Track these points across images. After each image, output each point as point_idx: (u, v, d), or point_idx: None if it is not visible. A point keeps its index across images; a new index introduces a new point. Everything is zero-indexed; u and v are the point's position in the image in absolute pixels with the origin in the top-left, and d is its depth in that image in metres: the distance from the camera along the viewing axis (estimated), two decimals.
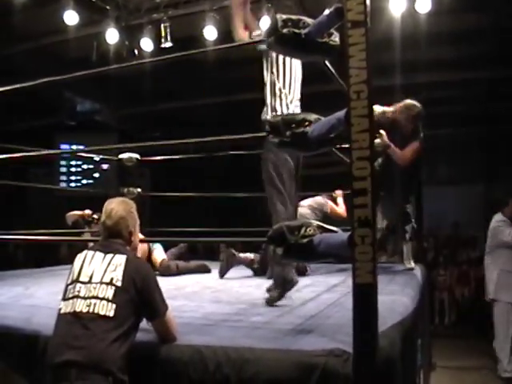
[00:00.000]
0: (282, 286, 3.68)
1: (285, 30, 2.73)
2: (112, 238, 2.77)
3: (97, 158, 13.71)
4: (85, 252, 2.73)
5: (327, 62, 3.16)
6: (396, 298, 3.77)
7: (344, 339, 2.45)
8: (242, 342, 2.68)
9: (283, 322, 3.14)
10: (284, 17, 2.75)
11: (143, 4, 8.48)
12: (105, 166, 13.96)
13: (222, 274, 5.52)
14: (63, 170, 14.34)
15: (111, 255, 2.65)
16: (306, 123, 2.81)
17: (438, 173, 13.09)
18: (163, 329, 2.69)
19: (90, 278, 2.58)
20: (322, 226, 2.65)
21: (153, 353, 2.67)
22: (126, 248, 2.78)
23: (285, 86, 3.81)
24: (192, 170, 11.20)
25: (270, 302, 3.66)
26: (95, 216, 6.54)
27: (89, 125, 13.19)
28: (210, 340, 2.71)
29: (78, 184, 14.07)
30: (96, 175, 14.08)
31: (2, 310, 3.58)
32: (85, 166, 14.29)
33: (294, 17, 2.75)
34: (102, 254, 2.66)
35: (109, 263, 2.61)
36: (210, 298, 4.22)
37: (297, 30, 2.72)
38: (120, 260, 2.61)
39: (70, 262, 4.45)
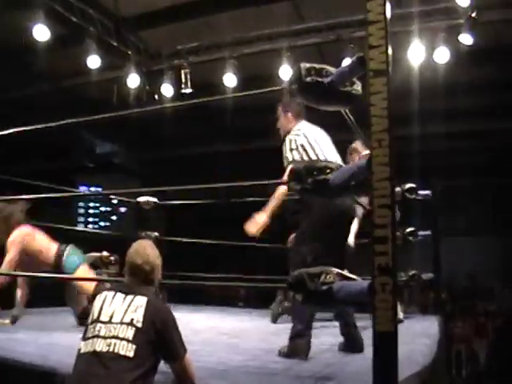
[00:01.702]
0: (292, 350, 3.61)
1: (308, 79, 2.76)
2: (145, 284, 2.75)
3: (115, 201, 13.94)
4: (105, 293, 2.70)
5: (347, 111, 3.20)
6: (413, 347, 3.72)
7: None
8: None
9: (301, 370, 3.11)
10: (307, 65, 2.78)
11: (164, 50, 8.65)
12: (122, 209, 14.06)
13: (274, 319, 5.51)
14: (81, 211, 14.46)
15: (132, 296, 2.63)
16: (328, 171, 2.82)
17: (454, 223, 13.01)
18: (182, 371, 2.66)
19: (111, 318, 2.56)
20: (342, 274, 2.64)
21: None
22: (148, 289, 2.76)
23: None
24: (211, 215, 11.23)
25: (281, 355, 3.62)
26: (112, 258, 6.56)
27: (108, 167, 13.35)
28: None
29: (96, 226, 14.16)
30: (113, 218, 14.17)
31: (20, 346, 3.59)
32: (103, 208, 14.41)
33: (317, 65, 2.79)
34: (122, 295, 2.64)
35: (129, 304, 2.59)
36: (226, 344, 4.19)
37: (320, 79, 2.76)
38: (141, 301, 2.59)
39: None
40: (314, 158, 3.75)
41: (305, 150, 3.81)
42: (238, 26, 7.84)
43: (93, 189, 13.19)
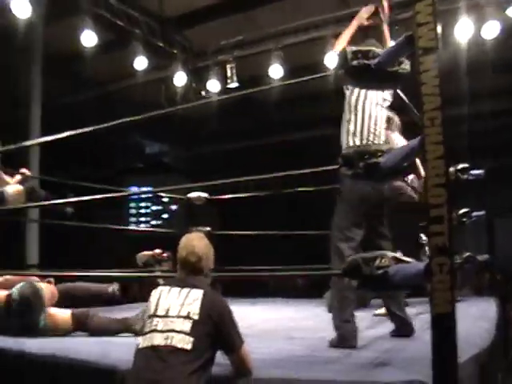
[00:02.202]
0: (341, 338, 3.58)
1: (355, 62, 2.74)
2: (193, 275, 2.77)
3: (165, 199, 14.09)
4: (160, 288, 2.72)
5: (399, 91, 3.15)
6: (471, 330, 3.66)
7: (422, 371, 2.38)
8: (319, 375, 2.65)
9: (359, 356, 3.09)
10: (354, 48, 2.76)
11: (209, 46, 8.72)
12: (173, 207, 14.19)
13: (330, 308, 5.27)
14: (132, 211, 14.66)
15: (188, 289, 2.64)
16: (379, 154, 2.79)
17: (506, 203, 12.66)
18: (240, 362, 2.67)
19: (167, 312, 2.58)
20: (397, 257, 2.61)
21: None
22: (204, 282, 2.78)
23: (357, 119, 3.75)
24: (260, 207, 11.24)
25: (332, 345, 3.59)
26: (165, 255, 6.65)
27: (157, 167, 13.49)
28: (286, 373, 2.68)
29: (147, 225, 14.31)
30: (165, 216, 14.31)
31: (79, 344, 3.65)
32: (154, 208, 14.57)
33: (363, 48, 2.76)
34: (178, 289, 2.66)
35: (185, 297, 2.60)
36: (282, 334, 4.21)
37: (367, 61, 2.73)
38: (197, 294, 2.61)
39: (140, 300, 4.50)
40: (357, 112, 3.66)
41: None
42: (281, 16, 7.82)
43: (144, 189, 13.34)
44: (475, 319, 4.35)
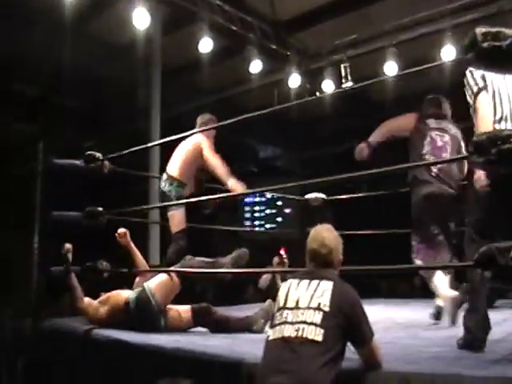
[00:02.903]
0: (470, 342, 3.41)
1: (485, 44, 2.62)
2: (323, 267, 2.75)
3: (279, 202, 14.20)
4: (289, 280, 2.70)
5: None
6: None
7: None
8: (448, 369, 2.57)
9: (489, 353, 2.97)
10: (483, 30, 2.64)
11: (323, 47, 8.73)
12: (287, 210, 14.29)
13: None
14: (247, 215, 14.89)
15: (317, 281, 2.61)
16: None
17: None
18: (369, 355, 2.63)
19: (297, 303, 2.56)
20: None
21: (359, 379, 2.63)
22: (333, 273, 2.73)
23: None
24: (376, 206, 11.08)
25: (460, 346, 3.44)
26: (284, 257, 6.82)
27: (271, 171, 13.63)
28: (415, 368, 2.63)
29: (262, 229, 14.49)
30: (279, 219, 14.44)
31: (204, 340, 3.76)
32: (268, 211, 14.72)
33: (493, 29, 2.64)
34: (307, 281, 2.64)
35: (315, 289, 2.58)
36: (406, 332, 4.14)
37: (497, 43, 2.61)
38: (327, 286, 2.58)
39: (257, 301, 4.53)
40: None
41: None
42: (395, 12, 7.71)
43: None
44: None
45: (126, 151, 4.54)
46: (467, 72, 3.48)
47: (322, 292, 2.56)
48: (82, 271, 4.42)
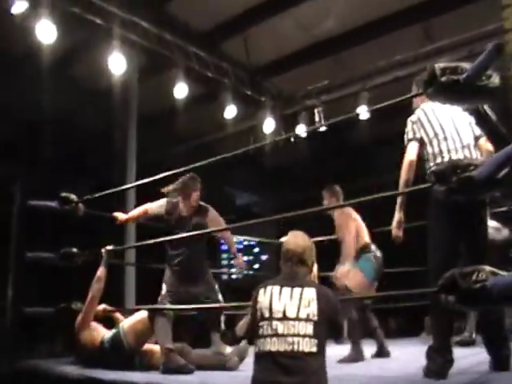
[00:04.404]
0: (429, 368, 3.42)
1: (443, 79, 2.72)
2: (297, 266, 2.84)
3: (256, 249, 14.17)
4: (269, 287, 2.71)
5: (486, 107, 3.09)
6: None
7: None
8: None
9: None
10: (442, 65, 2.75)
11: (297, 92, 8.89)
12: (264, 257, 14.26)
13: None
14: (224, 262, 14.81)
15: (299, 289, 2.66)
16: (472, 167, 2.74)
17: None
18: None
19: (284, 313, 2.60)
20: (494, 271, 2.52)
21: None
22: (310, 278, 2.89)
23: (437, 138, 3.66)
24: None
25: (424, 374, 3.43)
26: None
27: (248, 217, 13.64)
28: None
29: (240, 276, 14.39)
30: (256, 266, 14.39)
31: (177, 376, 3.76)
32: (245, 258, 14.63)
33: (451, 64, 2.74)
34: (288, 288, 2.68)
35: (300, 298, 2.64)
36: (376, 365, 4.20)
37: (455, 77, 2.70)
38: (311, 294, 2.65)
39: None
40: (431, 134, 3.54)
41: (422, 127, 3.61)
42: (368, 57, 7.91)
43: (235, 239, 13.46)
44: None
45: (101, 193, 4.60)
46: (408, 121, 3.70)
47: (308, 302, 2.62)
48: (56, 312, 4.41)
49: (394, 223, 3.80)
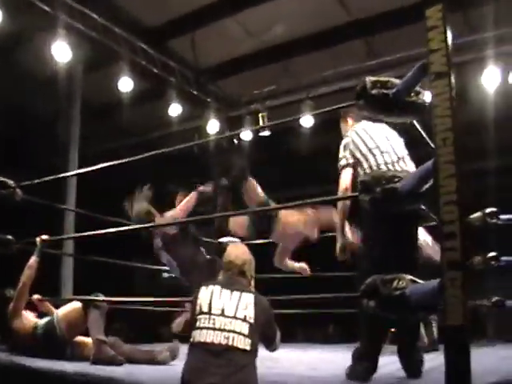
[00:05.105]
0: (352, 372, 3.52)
1: (374, 91, 2.84)
2: (237, 276, 3.02)
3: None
4: (210, 286, 2.89)
5: (415, 123, 3.23)
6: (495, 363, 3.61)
7: None
8: None
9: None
10: (373, 79, 2.87)
11: (242, 95, 8.97)
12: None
13: None
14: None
15: (238, 293, 2.85)
16: (396, 179, 2.85)
17: None
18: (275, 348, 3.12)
19: (222, 311, 2.77)
20: (414, 279, 2.65)
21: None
22: (246, 283, 3.03)
23: (372, 152, 3.74)
24: None
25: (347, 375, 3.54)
26: None
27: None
28: None
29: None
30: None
31: (109, 368, 3.78)
32: None
33: (382, 78, 2.86)
34: (228, 291, 2.86)
35: (238, 300, 2.82)
36: (306, 365, 4.39)
37: (385, 91, 2.83)
38: (249, 299, 2.84)
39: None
40: (364, 150, 3.65)
41: (357, 148, 3.69)
42: (315, 67, 8.03)
43: None
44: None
45: (39, 180, 4.55)
46: (340, 147, 3.82)
47: (245, 305, 2.81)
48: None
49: (338, 249, 3.90)
